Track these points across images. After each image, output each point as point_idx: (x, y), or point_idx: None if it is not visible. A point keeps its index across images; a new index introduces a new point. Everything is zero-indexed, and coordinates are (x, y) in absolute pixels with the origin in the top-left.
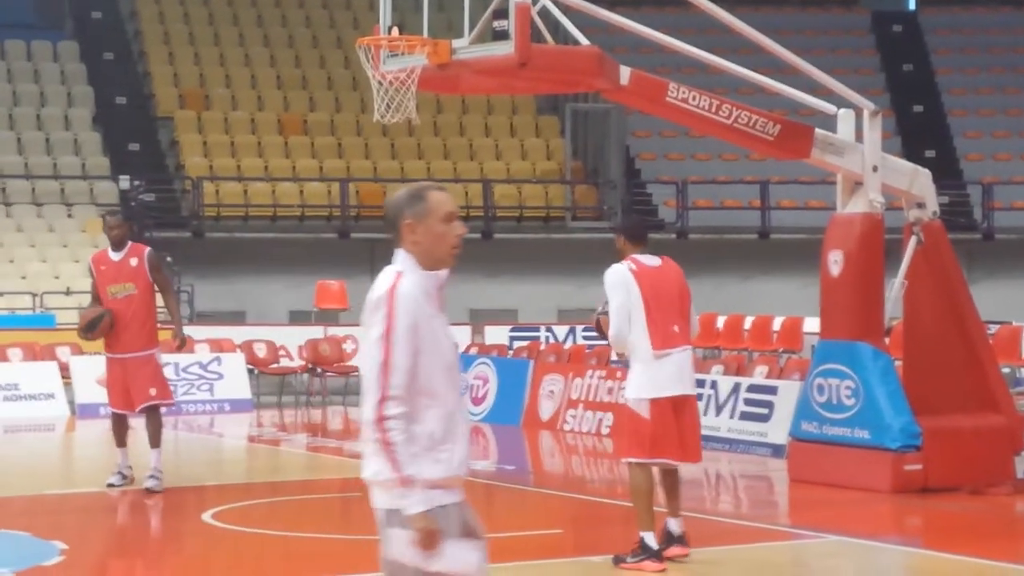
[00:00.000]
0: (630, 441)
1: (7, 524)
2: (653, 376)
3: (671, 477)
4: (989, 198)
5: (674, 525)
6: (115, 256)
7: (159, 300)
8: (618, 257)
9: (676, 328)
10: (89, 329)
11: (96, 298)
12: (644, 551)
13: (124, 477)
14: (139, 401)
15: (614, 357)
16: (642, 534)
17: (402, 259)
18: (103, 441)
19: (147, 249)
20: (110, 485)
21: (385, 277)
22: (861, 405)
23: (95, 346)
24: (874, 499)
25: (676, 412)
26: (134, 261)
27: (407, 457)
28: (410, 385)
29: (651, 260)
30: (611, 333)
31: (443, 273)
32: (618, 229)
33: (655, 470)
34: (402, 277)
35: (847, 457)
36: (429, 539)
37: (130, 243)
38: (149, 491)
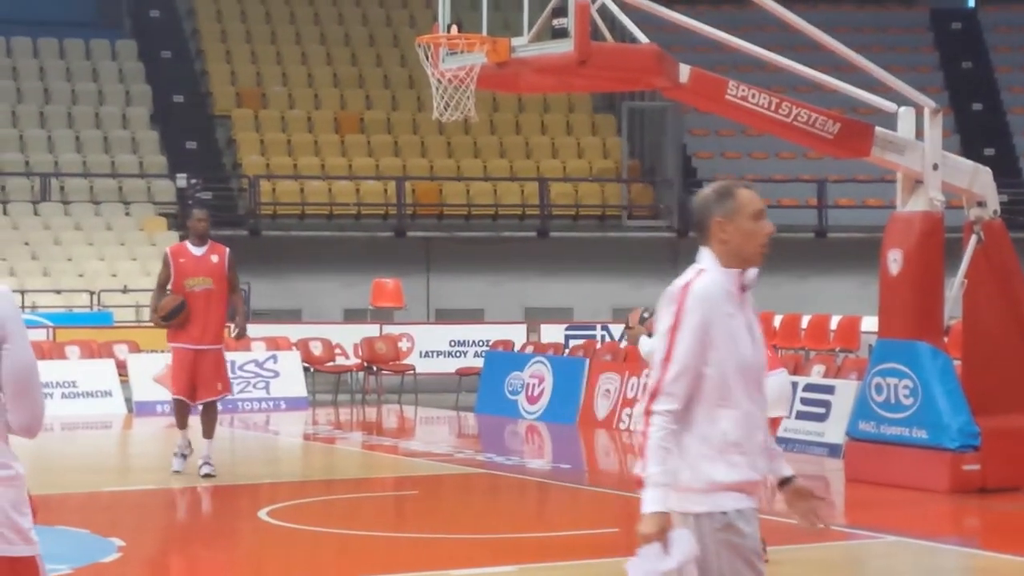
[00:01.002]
0: None
1: (65, 521)
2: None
3: None
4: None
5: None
6: (197, 251)
7: None
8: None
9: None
10: (169, 317)
11: (164, 288)
12: None
13: (184, 457)
14: (205, 394)
15: None
16: None
17: (706, 257)
18: (160, 438)
19: (227, 249)
20: (176, 472)
21: (686, 274)
22: (919, 404)
23: (152, 343)
24: (932, 499)
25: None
26: (215, 258)
27: (656, 455)
28: (696, 384)
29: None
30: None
31: (751, 272)
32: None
33: None
34: (702, 274)
35: (905, 457)
36: (651, 540)
37: (210, 240)
38: (207, 476)
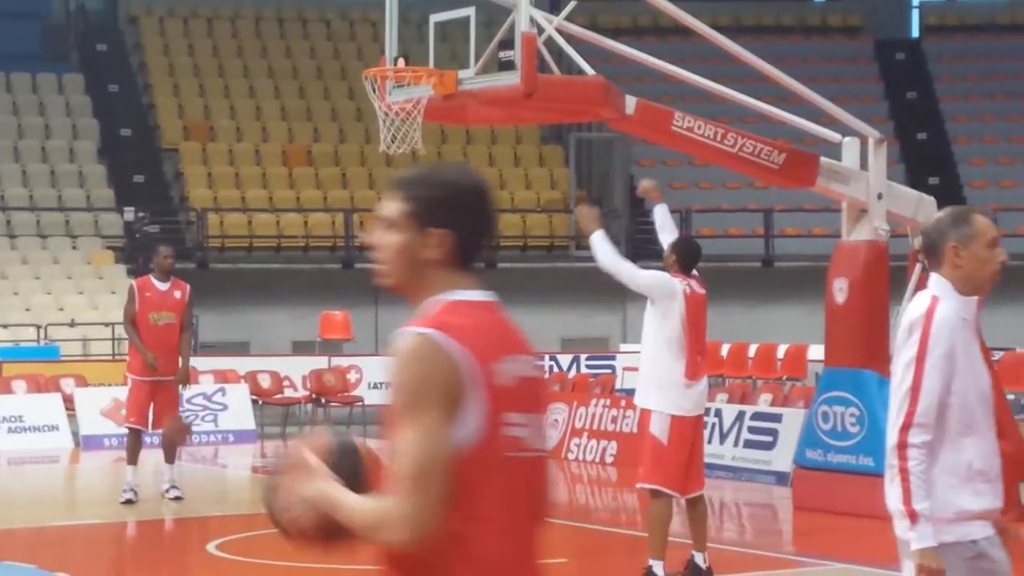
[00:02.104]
0: (649, 465)
1: (13, 556)
2: (679, 399)
3: (697, 507)
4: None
5: (700, 558)
6: (161, 286)
7: None
8: (666, 270)
9: (700, 360)
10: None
11: (133, 321)
12: None
13: (136, 494)
14: (165, 423)
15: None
16: (651, 562)
17: (937, 283)
18: (107, 472)
19: (188, 286)
20: (128, 502)
21: (920, 301)
22: (866, 432)
23: (100, 377)
24: (879, 527)
25: (693, 435)
26: (178, 293)
27: (921, 489)
28: (941, 413)
29: (699, 288)
30: (613, 264)
31: (977, 299)
32: (673, 246)
33: (682, 501)
34: (939, 302)
35: (852, 484)
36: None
37: (172, 276)
38: (177, 499)
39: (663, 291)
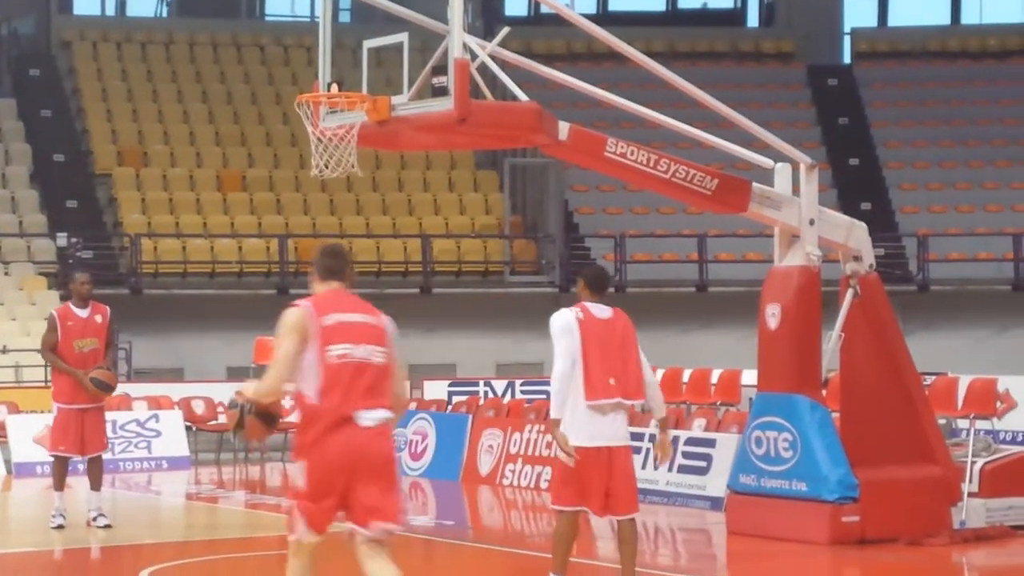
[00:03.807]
0: (556, 487)
1: None
2: (584, 425)
3: (625, 530)
4: (924, 250)
5: None
6: (81, 312)
7: None
8: (575, 301)
9: (612, 381)
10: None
11: (53, 350)
12: None
13: (65, 519)
14: (95, 448)
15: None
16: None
17: None
18: (40, 500)
19: (108, 308)
20: (59, 527)
21: None
22: (799, 457)
23: (32, 404)
24: (812, 551)
25: (607, 463)
26: (99, 318)
27: None
28: None
29: (601, 311)
30: (557, 372)
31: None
32: (581, 274)
33: (614, 523)
34: None
35: (785, 509)
36: None
37: (91, 301)
38: (107, 527)
39: (566, 337)
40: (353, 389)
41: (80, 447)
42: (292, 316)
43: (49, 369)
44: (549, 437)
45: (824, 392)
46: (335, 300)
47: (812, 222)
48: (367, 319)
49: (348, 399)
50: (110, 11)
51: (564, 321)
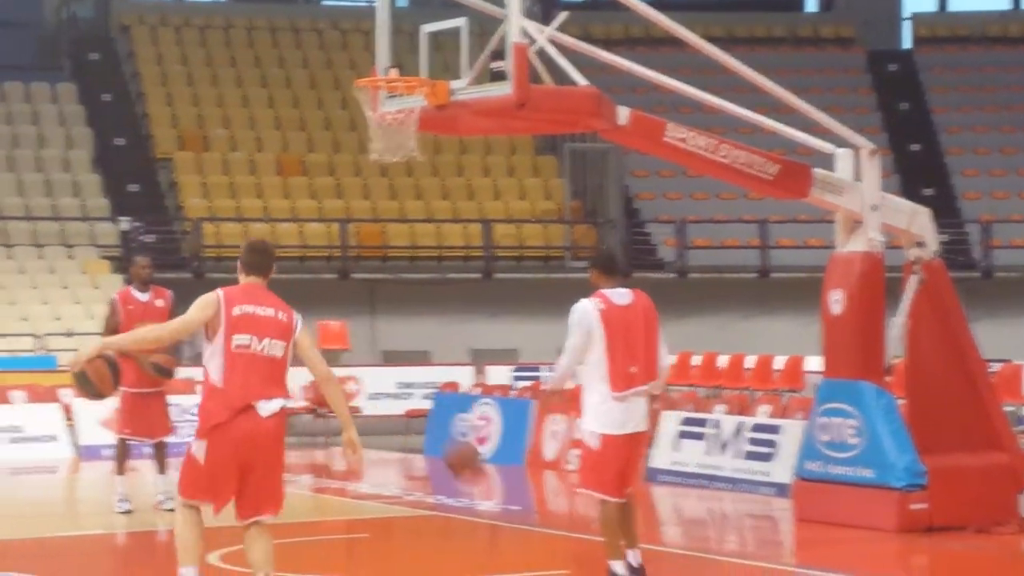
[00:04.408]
0: (596, 475)
1: (12, 567)
2: (613, 414)
3: (627, 508)
4: (988, 236)
5: (632, 557)
6: (142, 296)
7: None
8: (590, 290)
9: (634, 369)
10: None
11: (114, 333)
12: None
13: (130, 504)
14: (161, 432)
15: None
16: (610, 563)
17: None
18: (106, 482)
19: (170, 292)
20: (127, 512)
21: None
22: (865, 444)
23: None
24: (879, 538)
25: (633, 447)
26: (160, 302)
27: None
28: None
29: (621, 297)
30: (559, 370)
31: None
32: (592, 262)
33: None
34: None
35: (852, 496)
36: None
37: (152, 284)
38: (172, 511)
39: (584, 328)
40: (251, 378)
41: (147, 431)
42: (205, 297)
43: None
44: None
45: (889, 379)
46: (249, 293)
47: (875, 208)
48: (274, 314)
49: (248, 387)
50: None
51: (584, 314)
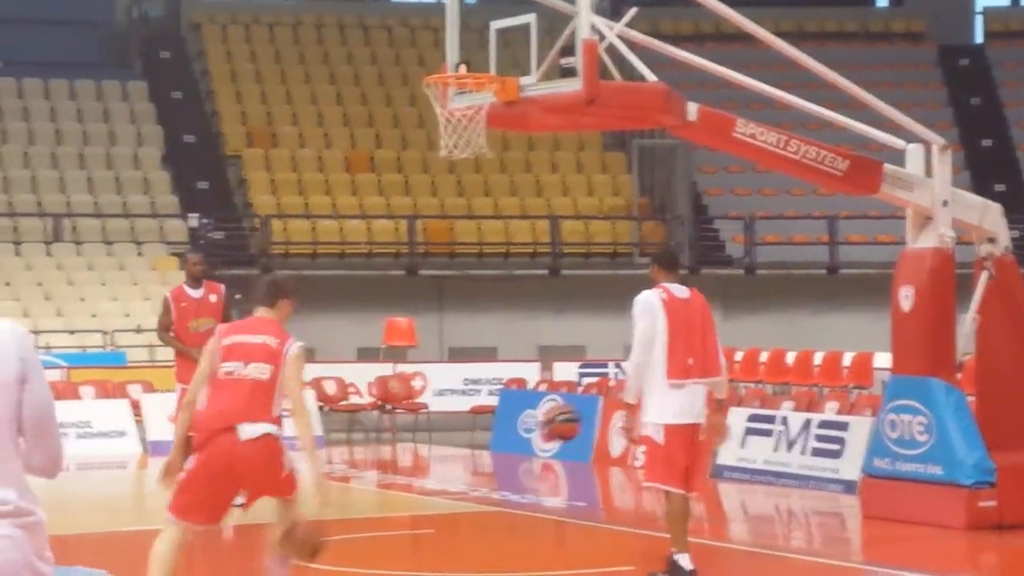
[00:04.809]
0: (660, 467)
1: (82, 561)
2: (670, 403)
3: (687, 506)
4: None
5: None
6: (195, 293)
7: None
8: (650, 284)
9: (691, 361)
10: None
11: (168, 330)
12: (678, 572)
13: None
14: None
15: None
16: (676, 556)
17: None
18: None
19: (223, 286)
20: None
21: None
22: (934, 441)
23: (166, 383)
24: (948, 536)
25: (692, 440)
26: (213, 297)
27: None
28: None
29: (680, 291)
30: (633, 360)
31: None
32: (653, 257)
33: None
34: None
35: (920, 493)
36: None
37: (205, 280)
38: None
39: (649, 317)
40: (234, 401)
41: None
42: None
43: None
44: None
45: (959, 375)
46: (246, 324)
47: (945, 203)
48: (263, 340)
49: (227, 410)
50: None
51: (648, 303)
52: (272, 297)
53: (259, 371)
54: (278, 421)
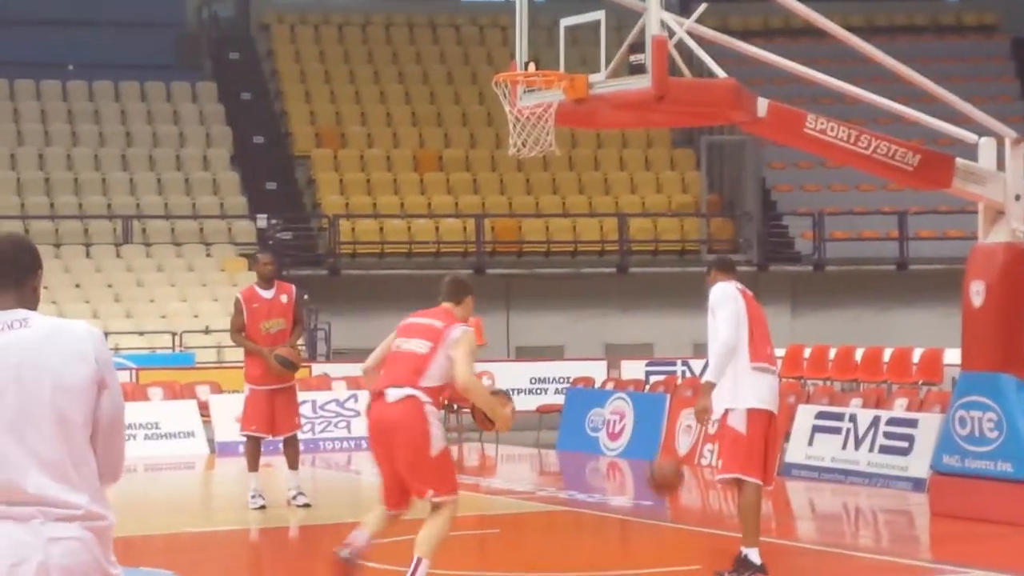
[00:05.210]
0: (738, 457)
1: (150, 562)
2: (749, 387)
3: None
4: None
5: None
6: (266, 293)
7: None
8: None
9: (769, 350)
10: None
11: (240, 332)
12: (748, 567)
13: (264, 499)
14: (286, 428)
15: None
16: (746, 551)
17: None
18: (242, 479)
19: (293, 287)
20: (261, 507)
21: None
22: (1004, 437)
23: (234, 384)
24: (1019, 533)
25: (768, 428)
26: (284, 298)
27: None
28: None
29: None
30: (724, 340)
31: None
32: (712, 264)
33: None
34: None
35: (991, 491)
36: None
37: (275, 280)
38: (305, 505)
39: (733, 305)
40: (390, 372)
41: (270, 427)
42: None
43: None
44: None
45: None
46: (425, 311)
47: (1018, 197)
48: (430, 322)
49: (384, 379)
50: None
51: (726, 291)
52: (459, 294)
53: (418, 346)
54: (431, 391)
